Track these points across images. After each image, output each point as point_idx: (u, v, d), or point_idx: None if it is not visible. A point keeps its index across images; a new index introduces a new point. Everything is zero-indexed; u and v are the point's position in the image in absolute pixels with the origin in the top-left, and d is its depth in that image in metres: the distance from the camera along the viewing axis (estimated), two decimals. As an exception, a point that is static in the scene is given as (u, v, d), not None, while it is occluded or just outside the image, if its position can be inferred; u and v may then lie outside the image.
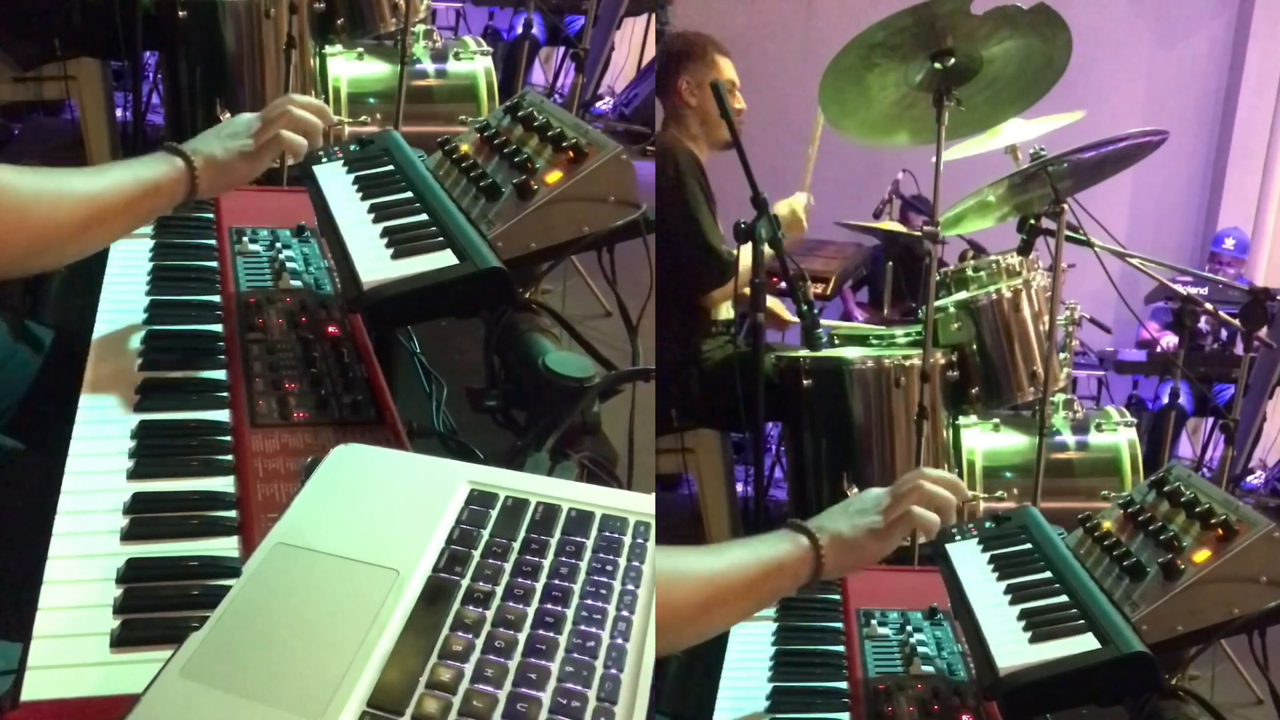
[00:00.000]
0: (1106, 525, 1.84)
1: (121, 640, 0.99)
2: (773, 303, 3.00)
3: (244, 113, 1.62)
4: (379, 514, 1.09)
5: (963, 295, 3.14)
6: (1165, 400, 3.41)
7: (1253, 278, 5.76)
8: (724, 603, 1.23)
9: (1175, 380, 3.29)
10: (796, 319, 2.59)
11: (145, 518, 1.15)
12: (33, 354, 1.61)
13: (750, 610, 1.34)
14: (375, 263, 1.51)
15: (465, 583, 1.00)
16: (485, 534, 1.07)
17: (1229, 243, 5.56)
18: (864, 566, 1.36)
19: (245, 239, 1.83)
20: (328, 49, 3.07)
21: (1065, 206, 2.83)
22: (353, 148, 1.89)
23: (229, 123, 1.60)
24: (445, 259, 1.50)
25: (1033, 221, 3.01)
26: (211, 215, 1.91)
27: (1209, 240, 5.93)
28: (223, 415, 1.35)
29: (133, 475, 1.22)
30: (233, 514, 1.18)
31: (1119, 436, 3.08)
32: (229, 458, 1.27)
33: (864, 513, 1.31)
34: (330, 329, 1.55)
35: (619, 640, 0.96)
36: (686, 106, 3.09)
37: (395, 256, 1.52)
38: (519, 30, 4.33)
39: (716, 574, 1.22)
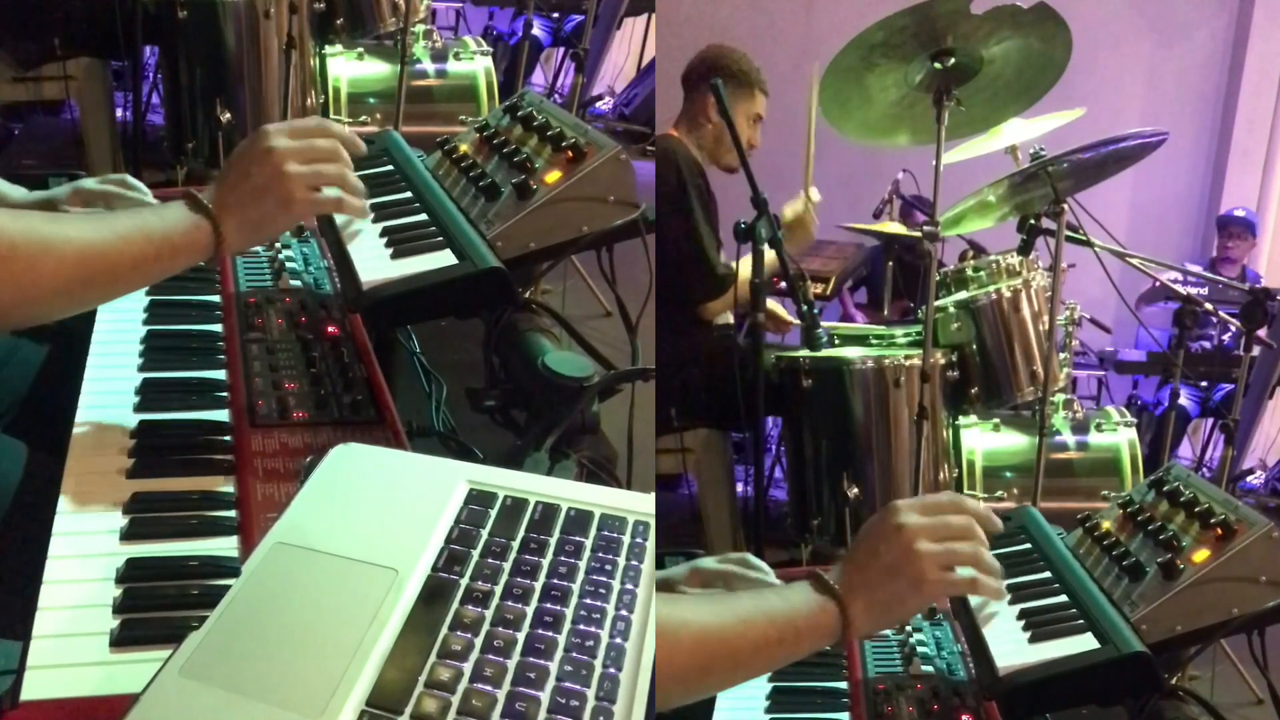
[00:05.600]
0: (1106, 525, 1.84)
1: (121, 640, 0.99)
2: (773, 305, 3.00)
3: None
4: (378, 513, 1.09)
5: (963, 295, 3.14)
6: (1166, 402, 3.41)
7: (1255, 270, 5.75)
8: (725, 664, 1.07)
9: (1175, 381, 3.28)
10: (797, 320, 2.59)
11: (145, 517, 1.15)
12: (33, 353, 1.60)
13: (756, 673, 1.16)
14: (375, 262, 1.52)
15: (464, 582, 1.00)
16: (484, 533, 1.07)
17: (1240, 211, 5.49)
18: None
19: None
20: (328, 49, 3.08)
21: (1065, 206, 2.83)
22: (352, 147, 1.88)
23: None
24: (445, 259, 1.50)
25: (1033, 221, 3.01)
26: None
27: (1209, 241, 5.91)
28: (222, 415, 1.35)
29: (132, 475, 1.22)
30: (232, 514, 1.18)
31: (1119, 436, 3.09)
32: (229, 457, 1.27)
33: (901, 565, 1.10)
34: (330, 329, 1.55)
35: (618, 639, 0.96)
36: (708, 120, 3.09)
37: (395, 256, 1.52)
38: (519, 33, 4.34)
39: (717, 629, 1.06)
